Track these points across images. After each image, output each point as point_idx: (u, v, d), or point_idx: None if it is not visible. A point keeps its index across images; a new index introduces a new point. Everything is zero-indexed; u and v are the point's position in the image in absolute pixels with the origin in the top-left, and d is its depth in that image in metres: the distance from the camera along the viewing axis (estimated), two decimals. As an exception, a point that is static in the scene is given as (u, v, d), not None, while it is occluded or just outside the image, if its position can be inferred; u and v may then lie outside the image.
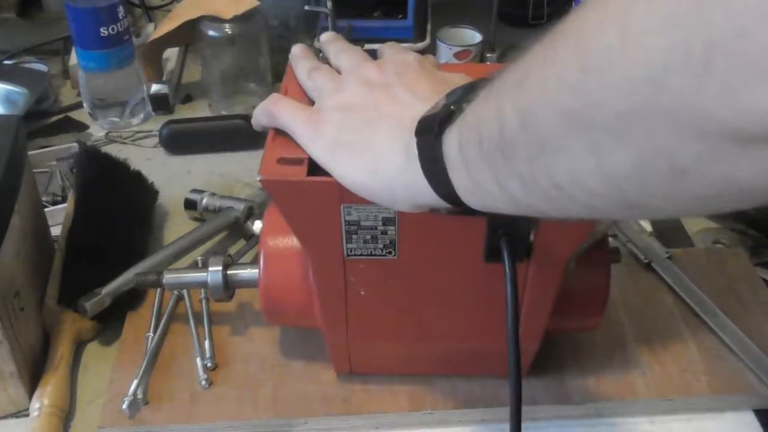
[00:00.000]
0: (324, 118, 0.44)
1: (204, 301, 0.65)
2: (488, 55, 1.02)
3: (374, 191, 0.42)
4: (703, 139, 0.23)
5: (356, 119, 0.43)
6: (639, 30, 0.23)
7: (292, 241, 0.55)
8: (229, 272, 0.58)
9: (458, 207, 0.37)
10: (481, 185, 0.34)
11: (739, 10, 0.20)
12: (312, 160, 0.45)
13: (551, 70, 0.27)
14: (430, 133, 0.37)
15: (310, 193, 0.45)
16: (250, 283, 0.57)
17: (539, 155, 0.29)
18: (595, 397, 0.58)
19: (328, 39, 0.53)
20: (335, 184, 0.43)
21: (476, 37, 0.99)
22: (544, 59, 0.28)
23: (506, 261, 0.43)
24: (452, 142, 0.35)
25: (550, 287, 0.50)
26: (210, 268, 0.57)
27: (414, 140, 0.38)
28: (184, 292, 0.65)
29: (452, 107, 0.36)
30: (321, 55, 0.53)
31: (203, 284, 0.58)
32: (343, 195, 0.44)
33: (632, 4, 0.23)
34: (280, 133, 0.47)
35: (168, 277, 0.59)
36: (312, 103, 0.48)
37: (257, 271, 0.55)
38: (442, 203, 0.38)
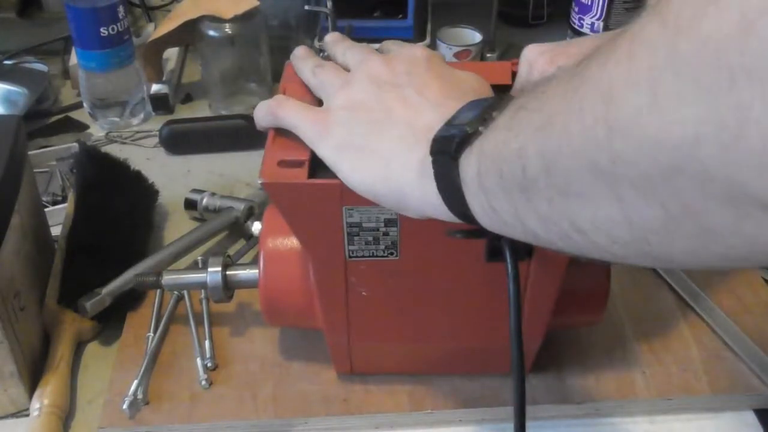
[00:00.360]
0: (332, 118, 0.44)
1: (204, 302, 0.65)
2: (488, 55, 1.02)
3: (382, 196, 0.41)
4: (732, 205, 0.22)
5: (365, 120, 0.42)
6: (669, 96, 0.22)
7: (292, 242, 0.54)
8: (228, 273, 0.58)
9: (474, 226, 0.37)
10: (500, 215, 0.34)
11: None
12: (313, 162, 0.45)
13: (577, 121, 0.27)
14: (447, 154, 0.36)
15: (312, 196, 0.45)
16: (249, 284, 0.57)
17: (562, 199, 0.29)
18: (595, 397, 0.58)
19: (334, 39, 0.52)
20: (336, 186, 0.43)
21: (476, 37, 0.99)
22: (570, 107, 0.27)
23: (508, 261, 0.43)
24: (470, 167, 0.35)
25: (552, 286, 0.50)
26: (209, 269, 0.57)
27: (429, 158, 0.37)
28: (185, 292, 0.65)
29: (468, 129, 0.35)
30: (321, 55, 0.53)
31: (202, 285, 0.58)
32: (345, 197, 0.44)
33: (661, 67, 0.22)
34: (280, 134, 0.47)
35: (167, 278, 0.59)
36: (316, 102, 0.48)
37: (257, 271, 0.55)
38: (454, 218, 0.38)
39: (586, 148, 0.26)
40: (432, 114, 0.40)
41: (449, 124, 0.38)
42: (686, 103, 0.21)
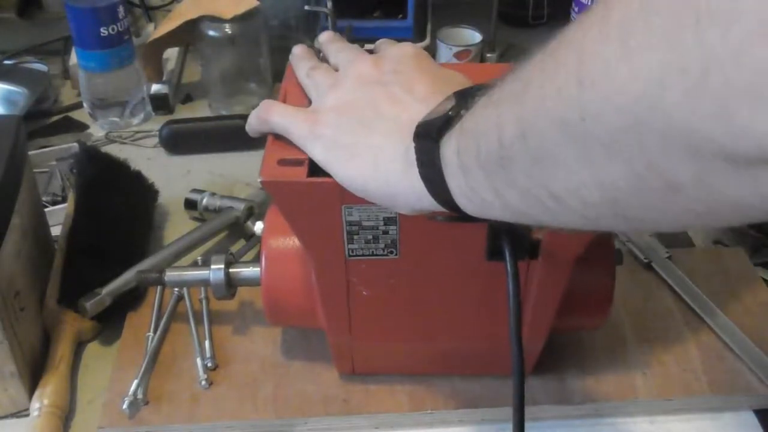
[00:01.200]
0: (321, 119, 0.44)
1: (204, 301, 0.65)
2: (488, 55, 1.02)
3: (373, 194, 0.42)
4: (696, 159, 0.23)
5: (353, 120, 0.43)
6: (638, 45, 0.23)
7: (293, 242, 0.55)
8: (231, 270, 0.58)
9: (455, 213, 0.37)
10: (478, 193, 0.34)
11: (736, 30, 0.19)
12: (312, 161, 0.45)
13: (551, 81, 0.27)
14: (429, 138, 0.37)
15: (311, 194, 0.45)
16: (252, 282, 0.57)
17: (537, 165, 0.29)
18: (595, 397, 0.58)
19: (327, 39, 0.52)
20: (336, 185, 0.43)
21: (476, 37, 0.99)
22: (544, 69, 0.28)
23: (508, 259, 0.43)
24: (450, 148, 0.35)
25: (557, 287, 0.50)
26: (212, 266, 0.58)
27: (413, 145, 0.38)
28: (185, 291, 0.65)
29: (450, 113, 0.36)
30: (321, 55, 0.53)
31: (205, 282, 0.58)
32: (344, 196, 0.44)
33: (633, 17, 0.23)
34: (279, 134, 0.47)
35: (170, 275, 0.59)
36: (311, 103, 0.48)
37: (259, 269, 0.55)
38: (440, 208, 0.38)
39: (557, 106, 0.27)
40: (418, 108, 0.41)
41: (433, 112, 0.38)
42: (653, 50, 0.22)
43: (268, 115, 0.47)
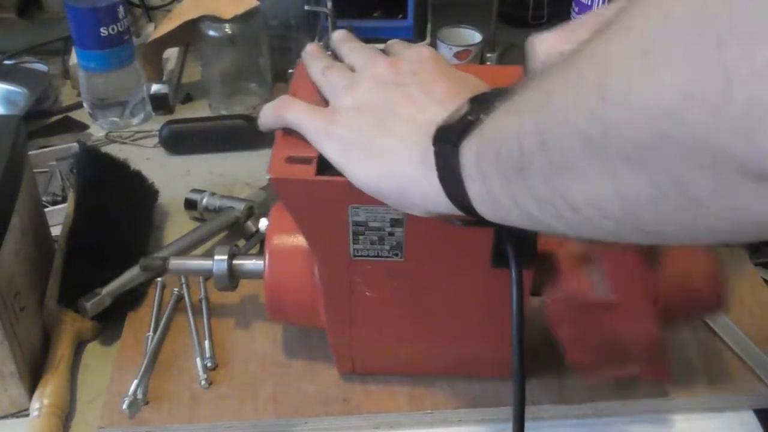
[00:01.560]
0: (337, 118, 0.44)
1: (204, 301, 0.65)
2: (488, 55, 1.02)
3: (387, 194, 0.42)
4: (718, 174, 0.23)
5: (370, 120, 0.43)
6: (660, 61, 0.23)
7: (297, 240, 0.54)
8: (234, 262, 0.58)
9: (472, 217, 0.37)
10: (497, 199, 0.34)
11: (758, 49, 0.19)
12: (321, 159, 0.45)
13: (573, 94, 0.27)
14: (448, 142, 0.36)
15: (318, 193, 0.45)
16: (254, 274, 0.57)
17: (556, 176, 0.29)
18: (595, 397, 0.58)
19: (341, 38, 0.52)
20: (343, 184, 0.43)
21: (476, 37, 0.99)
22: (566, 81, 0.28)
23: (512, 266, 0.43)
24: (470, 153, 0.35)
25: None
26: (215, 257, 0.58)
27: (431, 148, 0.38)
28: (185, 292, 0.65)
29: (470, 117, 0.36)
30: (329, 54, 0.53)
31: (208, 272, 0.58)
32: (351, 195, 0.44)
33: (654, 32, 0.23)
34: (288, 132, 0.47)
35: (174, 263, 0.59)
36: (324, 102, 0.48)
37: (262, 262, 0.55)
38: (455, 211, 0.38)
39: (579, 119, 0.27)
40: (435, 109, 0.41)
41: (453, 115, 0.38)
42: (676, 68, 0.22)
43: (285, 110, 0.47)
